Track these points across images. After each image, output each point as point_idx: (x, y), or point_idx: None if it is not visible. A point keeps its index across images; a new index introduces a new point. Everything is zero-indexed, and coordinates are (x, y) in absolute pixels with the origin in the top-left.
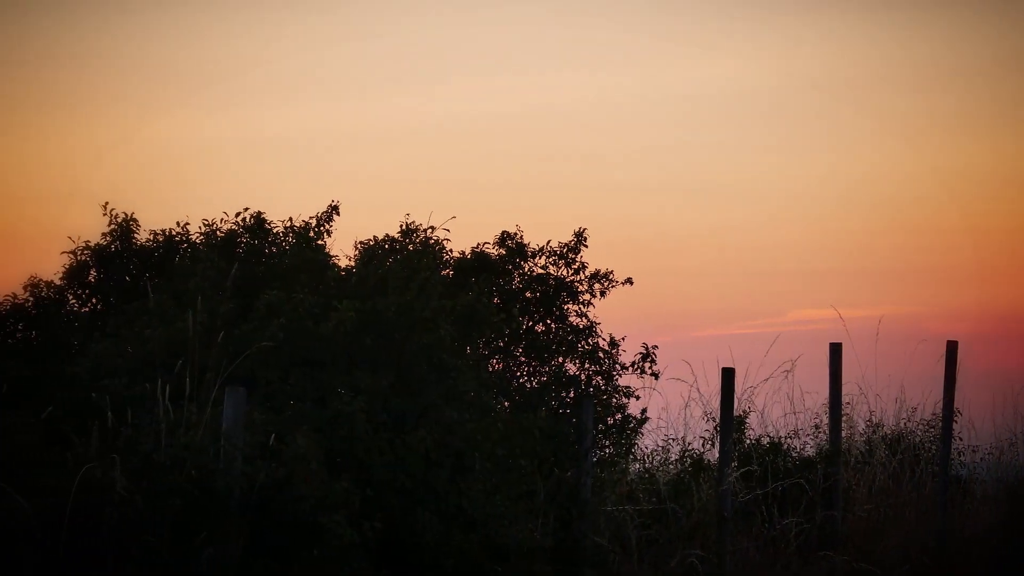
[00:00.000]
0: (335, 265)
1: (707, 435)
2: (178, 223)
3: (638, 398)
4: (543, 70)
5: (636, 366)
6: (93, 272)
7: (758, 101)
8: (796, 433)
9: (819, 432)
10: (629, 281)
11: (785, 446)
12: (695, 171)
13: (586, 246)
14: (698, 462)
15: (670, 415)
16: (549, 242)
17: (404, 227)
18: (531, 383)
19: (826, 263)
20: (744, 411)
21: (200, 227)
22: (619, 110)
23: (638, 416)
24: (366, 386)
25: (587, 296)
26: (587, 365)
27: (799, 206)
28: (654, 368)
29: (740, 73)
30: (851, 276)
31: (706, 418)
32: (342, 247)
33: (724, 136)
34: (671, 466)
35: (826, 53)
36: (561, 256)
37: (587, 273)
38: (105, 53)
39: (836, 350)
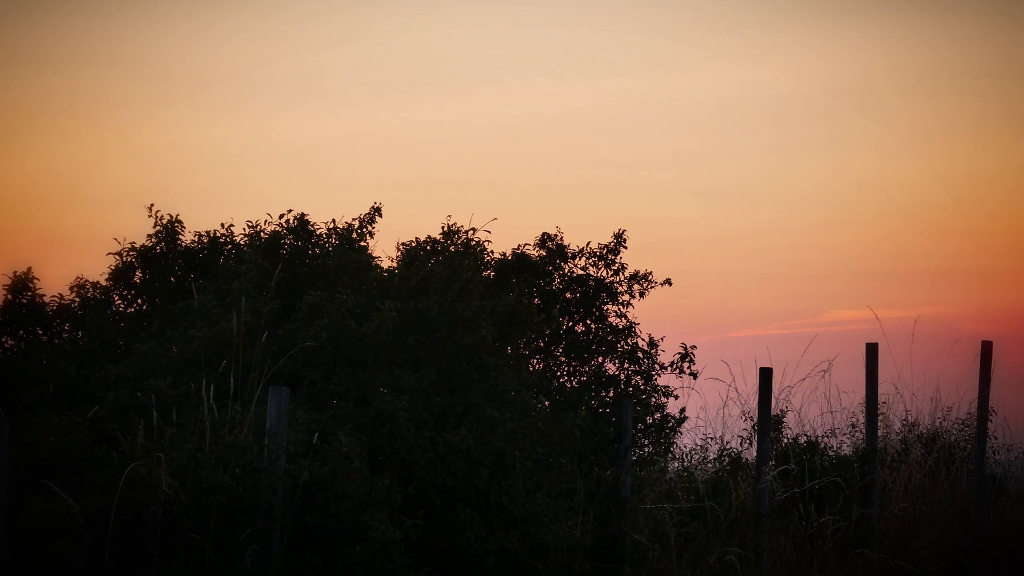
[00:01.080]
0: (378, 266)
1: (745, 434)
2: (223, 225)
3: (677, 397)
4: (583, 75)
5: (675, 366)
6: (139, 273)
7: (797, 105)
8: (833, 432)
9: (855, 431)
10: (668, 282)
11: (822, 445)
12: (733, 174)
13: (625, 247)
14: (736, 461)
15: (708, 414)
16: (589, 243)
17: (446, 229)
18: (571, 383)
19: (862, 264)
20: (781, 410)
21: (244, 229)
22: (658, 114)
23: (677, 415)
24: (408, 385)
25: (626, 297)
26: (626, 365)
27: (836, 209)
28: (693, 368)
29: (778, 78)
30: (887, 277)
31: (744, 417)
32: (384, 248)
33: (761, 139)
34: (709, 465)
35: (860, 57)
36: (601, 257)
37: (626, 274)
38: (152, 57)
39: (872, 350)
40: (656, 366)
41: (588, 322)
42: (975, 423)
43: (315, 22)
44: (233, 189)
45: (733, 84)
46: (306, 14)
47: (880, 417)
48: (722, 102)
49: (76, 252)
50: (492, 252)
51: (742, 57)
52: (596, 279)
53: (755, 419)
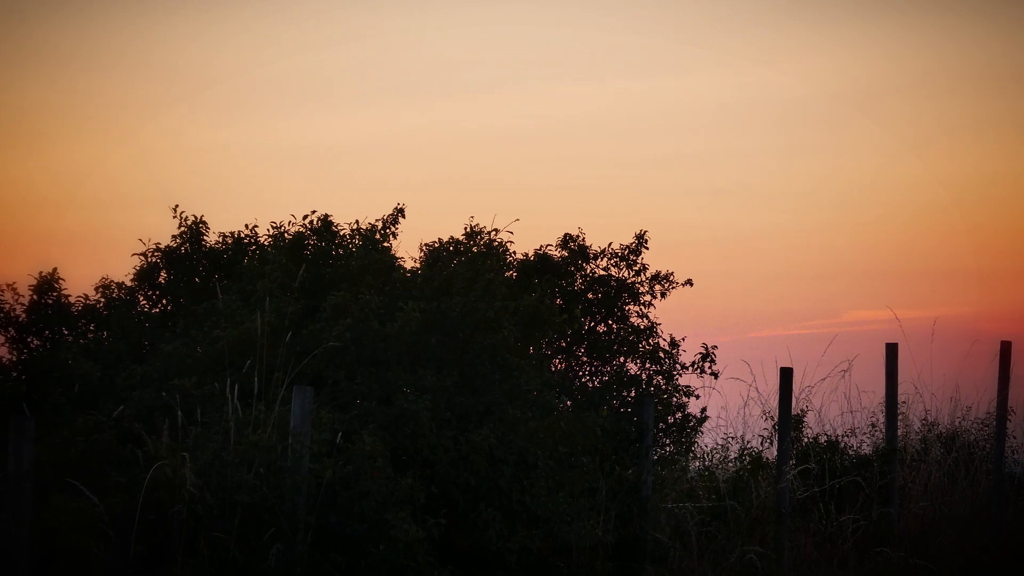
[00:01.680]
0: (401, 267)
1: (765, 433)
2: (247, 225)
3: (698, 397)
4: (603, 77)
5: (696, 366)
6: (163, 274)
7: (817, 106)
8: (853, 432)
9: (875, 431)
10: (689, 283)
11: (842, 444)
12: (754, 175)
13: (647, 248)
14: (757, 460)
15: (729, 414)
16: (611, 244)
17: (468, 230)
18: (593, 382)
19: (883, 265)
20: (802, 410)
21: (268, 229)
22: (679, 116)
23: (698, 415)
24: (431, 385)
25: (648, 297)
26: (648, 365)
27: (857, 209)
28: (714, 368)
29: (800, 79)
30: (907, 277)
31: (764, 417)
32: (407, 249)
33: (784, 141)
34: (730, 464)
35: (882, 60)
36: (622, 258)
37: (648, 275)
38: (175, 59)
39: (892, 350)
40: (677, 366)
41: (610, 322)
42: (994, 423)
43: (337, 22)
44: (256, 190)
45: (754, 86)
46: (327, 14)
47: (900, 417)
48: (745, 103)
49: (102, 253)
50: (514, 253)
51: (761, 60)
52: (618, 280)
53: (775, 419)
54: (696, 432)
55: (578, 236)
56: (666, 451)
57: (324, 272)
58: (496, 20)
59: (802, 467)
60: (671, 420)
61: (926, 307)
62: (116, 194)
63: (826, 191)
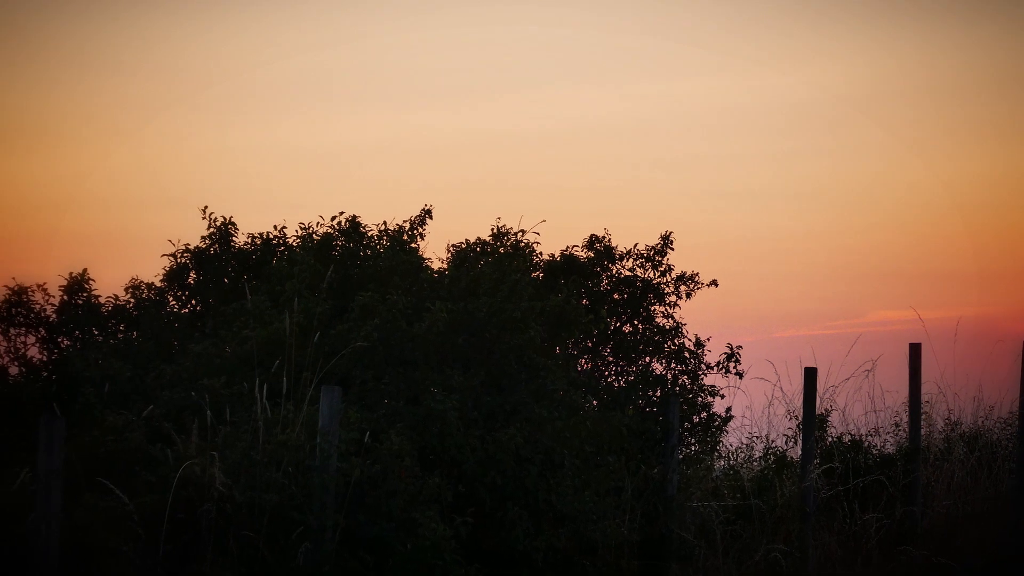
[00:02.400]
0: (428, 267)
1: (790, 433)
2: (275, 226)
3: (723, 397)
4: (628, 79)
5: (721, 366)
6: (192, 274)
7: (841, 107)
8: (877, 431)
9: (899, 430)
10: (714, 283)
11: (866, 444)
12: (777, 176)
13: (672, 249)
14: (781, 459)
15: (754, 413)
16: (636, 245)
17: (495, 231)
18: (619, 382)
19: (906, 265)
20: (826, 409)
21: (297, 230)
22: (702, 117)
23: (723, 414)
24: (458, 385)
25: (673, 298)
26: (673, 365)
27: (879, 210)
28: (738, 368)
29: (822, 81)
30: (931, 278)
31: (789, 416)
32: (435, 250)
33: (807, 142)
34: (755, 463)
35: (907, 61)
36: (648, 259)
37: (673, 275)
38: (203, 61)
39: (916, 350)
40: (702, 366)
41: (635, 322)
42: (1017, 422)
43: (362, 26)
44: (284, 191)
45: (776, 88)
46: (354, 19)
47: (923, 416)
48: (767, 105)
49: (131, 254)
50: (541, 254)
51: (784, 61)
52: (643, 280)
53: (800, 418)
54: (721, 431)
55: (604, 237)
56: (691, 450)
57: (352, 273)
58: (521, 21)
59: (826, 466)
60: (696, 419)
61: (949, 307)
62: (145, 195)
63: (850, 192)
